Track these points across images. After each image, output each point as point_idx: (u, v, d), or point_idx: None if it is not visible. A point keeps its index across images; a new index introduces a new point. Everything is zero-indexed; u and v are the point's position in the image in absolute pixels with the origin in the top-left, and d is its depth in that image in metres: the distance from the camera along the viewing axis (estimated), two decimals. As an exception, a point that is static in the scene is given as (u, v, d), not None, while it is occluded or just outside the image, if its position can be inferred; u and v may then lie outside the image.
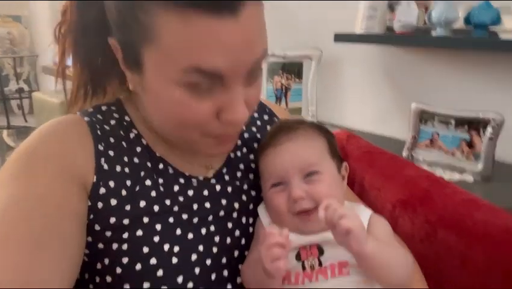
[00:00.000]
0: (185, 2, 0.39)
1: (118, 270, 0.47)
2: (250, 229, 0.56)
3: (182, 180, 0.54)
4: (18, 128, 3.65)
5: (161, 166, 0.53)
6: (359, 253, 0.46)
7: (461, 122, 1.11)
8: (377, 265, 0.48)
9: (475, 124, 1.08)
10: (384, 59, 1.44)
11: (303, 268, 0.51)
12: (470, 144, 1.10)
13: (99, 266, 0.48)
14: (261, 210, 0.58)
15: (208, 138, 0.48)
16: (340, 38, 1.36)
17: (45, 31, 3.39)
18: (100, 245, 0.47)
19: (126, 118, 0.55)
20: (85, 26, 0.50)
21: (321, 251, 0.52)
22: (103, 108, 0.56)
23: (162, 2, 0.40)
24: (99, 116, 0.53)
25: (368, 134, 1.47)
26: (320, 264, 0.51)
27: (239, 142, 0.63)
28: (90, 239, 0.47)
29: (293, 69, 1.57)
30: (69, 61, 0.56)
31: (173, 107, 0.44)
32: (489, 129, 1.05)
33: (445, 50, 1.27)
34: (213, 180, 0.56)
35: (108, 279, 0.47)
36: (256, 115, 0.67)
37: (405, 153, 1.20)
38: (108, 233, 0.47)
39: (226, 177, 0.58)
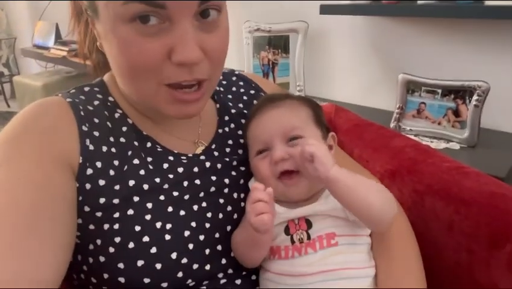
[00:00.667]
0: None
1: (111, 250, 0.47)
2: (242, 204, 0.57)
3: (171, 158, 0.54)
4: (1, 114, 3.56)
5: (148, 144, 0.53)
6: (326, 176, 0.47)
7: (447, 91, 1.12)
8: (345, 189, 0.48)
9: (461, 93, 1.09)
10: (370, 29, 1.43)
11: (292, 242, 0.52)
12: (456, 113, 1.12)
13: (91, 247, 0.48)
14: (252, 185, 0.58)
15: (165, 87, 0.46)
16: (325, 9, 1.33)
17: (22, 12, 3.27)
18: (91, 227, 0.47)
19: (110, 98, 0.54)
20: None
21: (309, 225, 0.52)
22: (86, 88, 0.55)
23: None
24: (81, 97, 0.52)
25: (356, 106, 1.47)
26: (309, 237, 0.51)
27: (226, 118, 0.62)
28: (80, 221, 0.47)
29: (279, 44, 1.55)
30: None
31: (123, 49, 0.43)
32: (475, 97, 1.06)
33: (431, 19, 1.27)
34: (202, 157, 0.56)
35: (102, 259, 0.47)
36: (242, 90, 0.67)
37: (392, 124, 1.21)
38: (99, 214, 0.47)
39: (215, 154, 0.58)
